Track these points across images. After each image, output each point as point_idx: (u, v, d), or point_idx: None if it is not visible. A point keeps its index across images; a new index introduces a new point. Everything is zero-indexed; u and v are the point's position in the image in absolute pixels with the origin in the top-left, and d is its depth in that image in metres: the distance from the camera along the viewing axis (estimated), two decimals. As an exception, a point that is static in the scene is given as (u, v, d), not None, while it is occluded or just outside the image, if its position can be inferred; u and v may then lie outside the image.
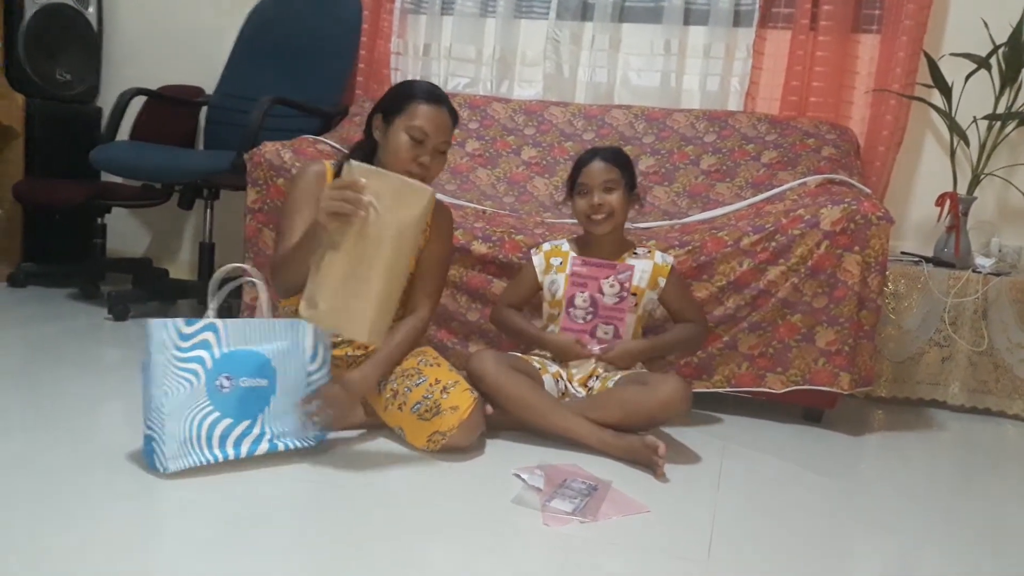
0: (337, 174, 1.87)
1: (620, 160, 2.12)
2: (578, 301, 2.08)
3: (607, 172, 2.08)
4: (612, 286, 2.06)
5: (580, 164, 2.13)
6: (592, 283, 2.07)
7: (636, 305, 2.09)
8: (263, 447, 1.65)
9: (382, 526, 1.43)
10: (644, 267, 2.11)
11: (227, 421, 1.61)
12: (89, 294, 3.31)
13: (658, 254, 2.15)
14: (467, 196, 2.88)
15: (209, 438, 1.58)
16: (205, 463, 1.56)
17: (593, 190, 2.07)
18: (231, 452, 1.60)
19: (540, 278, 2.17)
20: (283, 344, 1.72)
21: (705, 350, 2.27)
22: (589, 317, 2.08)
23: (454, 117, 1.92)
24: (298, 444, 1.72)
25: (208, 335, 1.61)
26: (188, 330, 1.58)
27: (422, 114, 1.84)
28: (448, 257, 2.07)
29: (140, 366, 1.55)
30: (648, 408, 1.88)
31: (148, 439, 1.53)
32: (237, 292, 2.65)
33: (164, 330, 1.56)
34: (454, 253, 2.40)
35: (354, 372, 1.84)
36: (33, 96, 3.50)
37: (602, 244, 2.13)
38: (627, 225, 2.26)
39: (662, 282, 2.11)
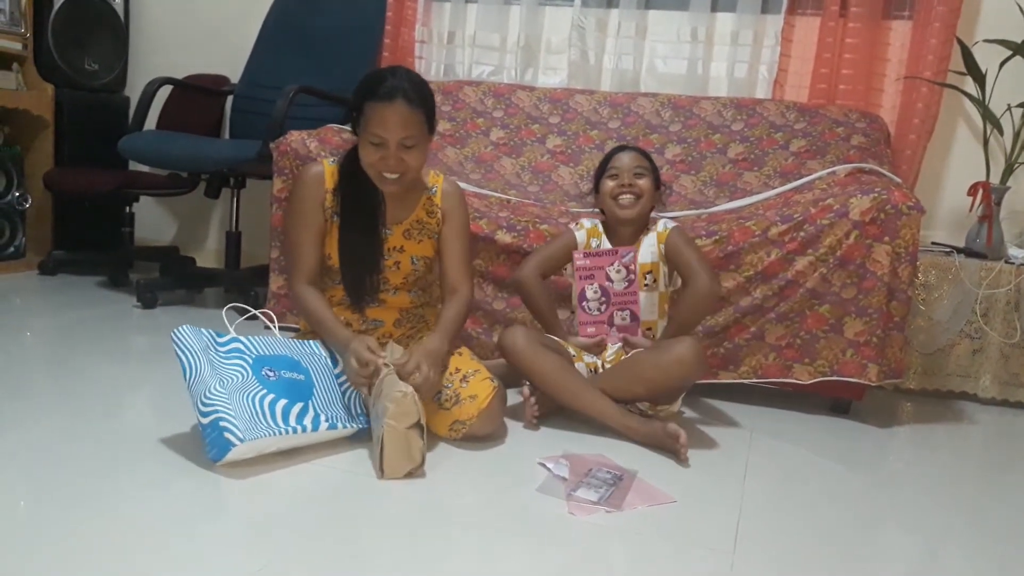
0: (339, 171, 1.88)
1: (647, 155, 2.20)
2: (589, 294, 2.10)
3: (638, 160, 2.14)
4: (618, 271, 2.07)
5: (610, 155, 2.19)
6: (598, 273, 2.09)
7: (655, 282, 2.11)
8: (323, 425, 1.65)
9: (408, 514, 1.43)
10: (651, 241, 2.13)
11: (284, 400, 1.62)
12: (118, 282, 3.35)
13: (660, 223, 2.15)
14: (491, 185, 2.88)
15: (273, 413, 1.58)
16: (275, 435, 1.56)
17: (623, 173, 2.11)
18: (296, 425, 1.60)
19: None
20: (300, 351, 1.78)
21: (732, 340, 2.25)
22: (603, 307, 2.10)
23: (421, 106, 1.78)
24: (353, 426, 1.73)
25: (237, 345, 1.67)
26: (221, 340, 1.65)
27: (374, 117, 1.75)
28: (467, 230, 2.03)
29: (184, 371, 1.56)
30: (663, 365, 1.90)
31: (214, 423, 1.50)
32: (264, 280, 2.68)
33: (202, 335, 1.63)
34: (478, 243, 2.40)
35: (427, 342, 1.82)
36: (62, 86, 3.53)
37: (624, 229, 2.15)
38: (652, 215, 2.25)
39: (661, 248, 2.11)
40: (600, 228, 2.20)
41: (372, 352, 1.70)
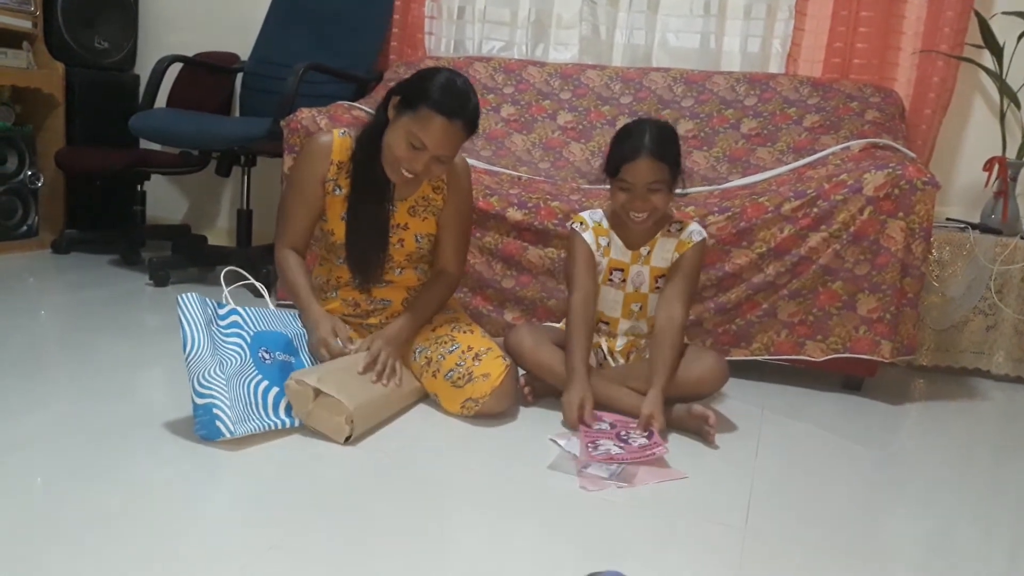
0: (356, 146, 1.86)
1: (668, 152, 1.86)
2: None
3: (654, 172, 1.83)
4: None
5: (625, 157, 1.85)
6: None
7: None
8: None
9: (420, 490, 1.44)
10: (669, 247, 1.97)
11: (276, 389, 1.64)
12: (130, 260, 3.36)
13: (688, 230, 1.97)
14: (502, 162, 2.86)
15: (265, 403, 1.61)
16: (264, 429, 1.58)
17: (637, 191, 1.86)
18: (285, 419, 1.63)
19: (598, 258, 1.99)
20: (295, 328, 1.80)
21: (744, 317, 2.25)
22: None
23: (470, 128, 1.78)
24: None
25: (236, 318, 1.68)
26: (221, 312, 1.67)
27: (428, 127, 1.71)
28: (468, 213, 2.02)
29: (185, 341, 1.57)
30: (684, 382, 1.87)
31: (207, 408, 1.52)
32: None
33: (208, 306, 1.64)
34: (489, 220, 2.39)
35: (390, 327, 1.87)
36: (72, 64, 3.53)
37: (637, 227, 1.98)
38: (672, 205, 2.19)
39: (676, 256, 1.96)
40: (606, 224, 2.00)
41: (338, 340, 1.76)
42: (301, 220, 1.90)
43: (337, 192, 1.88)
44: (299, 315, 1.87)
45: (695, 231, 1.98)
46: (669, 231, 1.99)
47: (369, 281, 1.93)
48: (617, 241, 2.00)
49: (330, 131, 1.91)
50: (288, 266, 1.89)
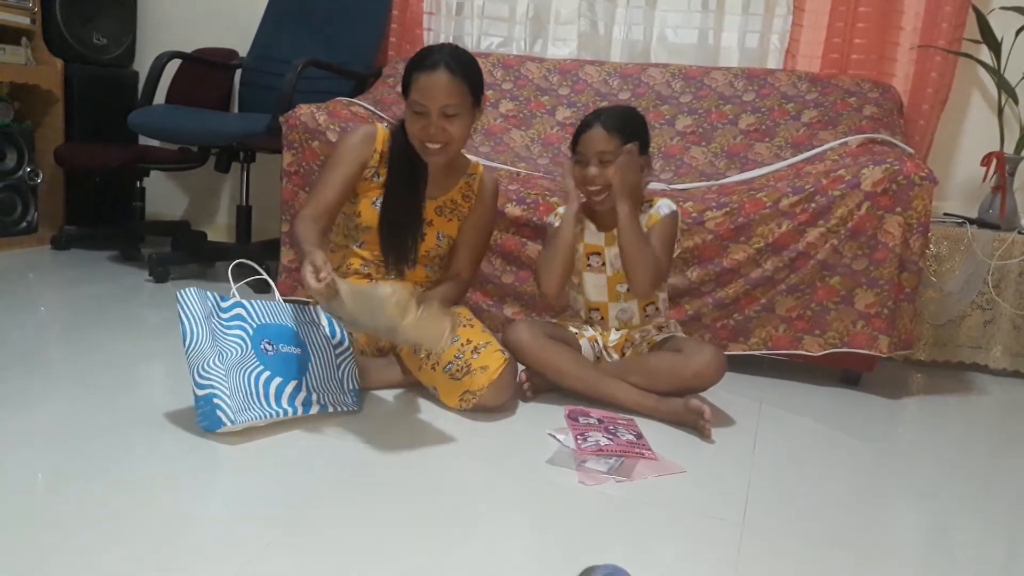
0: (393, 137, 1.94)
1: (625, 127, 1.92)
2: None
3: (605, 142, 1.90)
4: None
5: (582, 127, 1.95)
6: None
7: None
8: (314, 408, 1.69)
9: (418, 485, 1.45)
10: (642, 223, 1.97)
11: (278, 379, 1.64)
12: (129, 256, 3.36)
13: (657, 204, 1.99)
14: (501, 158, 2.87)
15: (266, 393, 1.61)
16: (265, 418, 1.59)
17: (589, 161, 1.92)
18: (287, 407, 1.64)
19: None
20: (303, 319, 1.80)
21: (742, 312, 2.26)
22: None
23: (464, 77, 1.83)
24: (342, 408, 1.75)
25: (240, 310, 1.68)
26: (224, 304, 1.67)
27: (418, 87, 1.82)
28: (490, 224, 2.11)
29: (184, 336, 1.57)
30: (682, 377, 1.88)
31: (207, 398, 1.53)
32: (275, 254, 2.69)
33: (208, 299, 1.64)
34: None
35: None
36: (71, 61, 3.53)
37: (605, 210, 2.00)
38: (663, 187, 2.21)
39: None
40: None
41: (318, 274, 1.61)
42: (332, 192, 1.92)
43: (376, 179, 1.95)
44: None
45: (664, 204, 2.00)
46: (641, 211, 2.01)
47: (400, 263, 1.97)
48: (590, 225, 2.04)
49: (375, 124, 2.00)
50: (303, 227, 1.82)
